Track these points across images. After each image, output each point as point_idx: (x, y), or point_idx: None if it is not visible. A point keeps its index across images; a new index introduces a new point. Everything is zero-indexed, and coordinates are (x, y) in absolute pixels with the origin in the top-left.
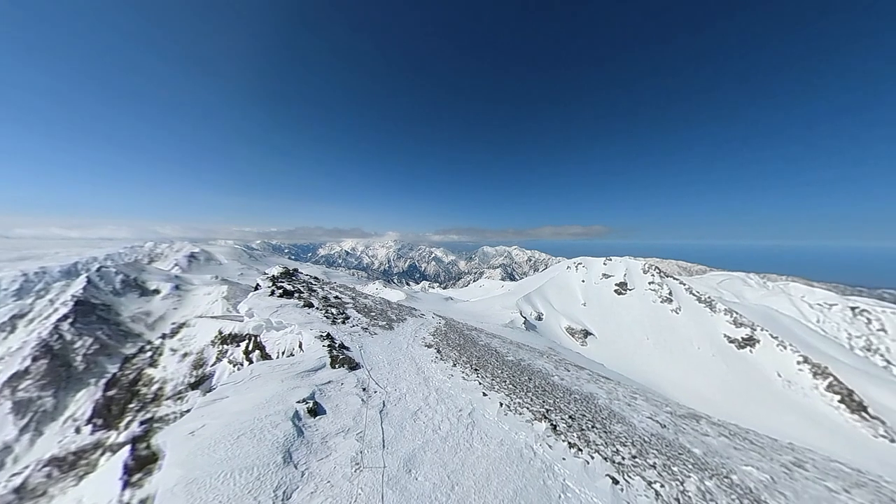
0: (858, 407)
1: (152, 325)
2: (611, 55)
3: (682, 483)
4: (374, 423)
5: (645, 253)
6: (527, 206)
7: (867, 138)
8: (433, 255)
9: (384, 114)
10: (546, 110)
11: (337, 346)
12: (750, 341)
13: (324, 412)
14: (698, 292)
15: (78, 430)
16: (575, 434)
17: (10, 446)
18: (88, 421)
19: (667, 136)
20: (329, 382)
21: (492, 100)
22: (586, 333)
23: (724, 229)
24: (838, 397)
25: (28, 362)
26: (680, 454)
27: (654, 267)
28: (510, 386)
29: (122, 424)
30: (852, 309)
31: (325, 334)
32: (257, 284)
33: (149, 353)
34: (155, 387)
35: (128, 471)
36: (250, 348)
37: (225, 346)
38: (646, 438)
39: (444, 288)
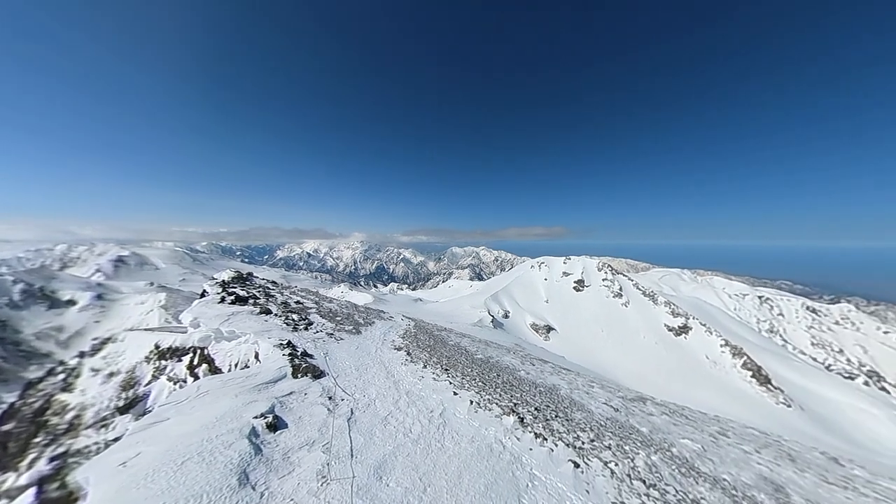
0: (765, 380)
1: (66, 342)
2: (575, 65)
3: (632, 460)
4: (341, 433)
5: (599, 252)
6: (494, 207)
7: (794, 142)
8: (402, 256)
9: (349, 111)
10: (509, 115)
11: (299, 354)
12: (684, 329)
13: (285, 426)
14: (643, 287)
15: None
16: (540, 425)
17: None
18: None
19: (615, 146)
20: (291, 394)
21: (458, 102)
22: (549, 329)
23: (665, 231)
24: (750, 373)
25: None
26: (630, 434)
27: (606, 265)
28: (480, 383)
29: (24, 464)
30: (759, 298)
31: (285, 342)
32: (204, 291)
33: (61, 376)
34: (70, 415)
35: None
36: (196, 362)
37: (163, 362)
38: (602, 423)
39: (414, 289)
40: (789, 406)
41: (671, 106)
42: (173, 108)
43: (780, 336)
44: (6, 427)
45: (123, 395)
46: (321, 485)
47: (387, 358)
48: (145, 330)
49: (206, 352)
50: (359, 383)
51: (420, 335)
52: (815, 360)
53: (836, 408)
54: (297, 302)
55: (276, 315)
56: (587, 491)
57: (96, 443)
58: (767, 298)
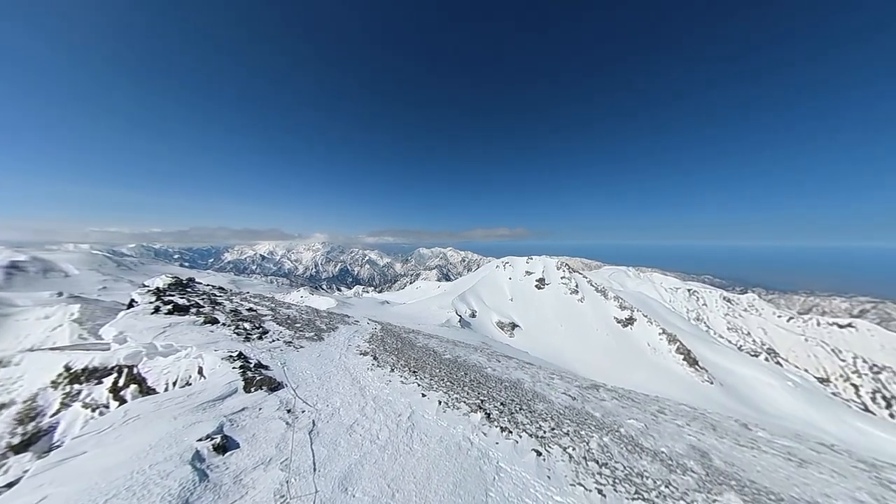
0: (693, 362)
1: None
2: (536, 77)
3: (587, 443)
4: (302, 447)
5: (558, 252)
6: (460, 208)
7: (736, 145)
8: (367, 257)
9: (307, 103)
10: (476, 119)
11: (252, 366)
12: (630, 321)
13: (236, 446)
14: (596, 284)
15: None
16: (506, 418)
17: None
18: None
19: (571, 155)
20: (243, 410)
21: (426, 103)
22: (513, 326)
23: (614, 232)
24: (682, 356)
25: None
26: (586, 420)
27: (564, 264)
28: (448, 383)
29: None
30: (689, 291)
31: (235, 354)
32: (132, 300)
33: None
34: None
35: None
36: (122, 384)
37: (76, 387)
38: (561, 411)
39: (380, 292)
40: (712, 383)
41: (617, 122)
42: (83, 84)
43: (705, 323)
44: None
45: (21, 430)
46: None
47: (352, 364)
48: (52, 349)
49: (135, 371)
50: (321, 393)
51: (387, 339)
52: (730, 342)
53: (746, 381)
54: (250, 309)
55: (224, 325)
56: (548, 477)
57: None
58: (695, 291)
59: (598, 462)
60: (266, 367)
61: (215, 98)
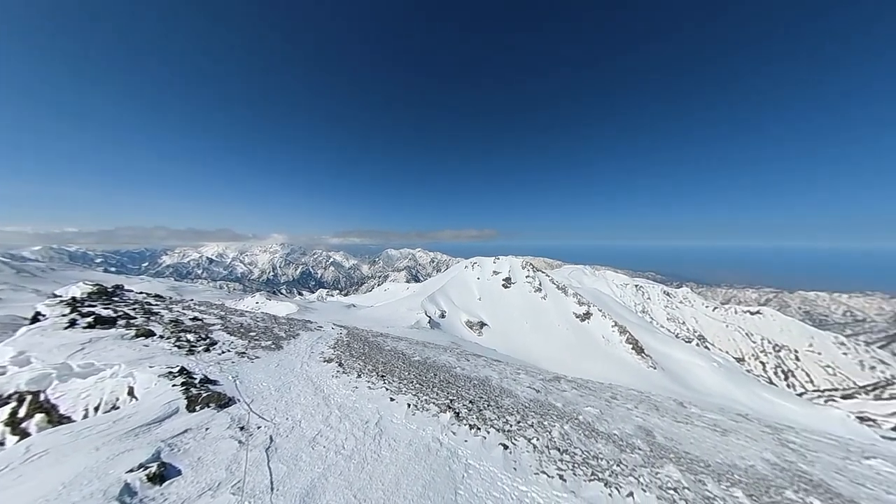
0: (640, 350)
1: None
2: (505, 81)
3: (550, 432)
4: (258, 466)
5: (523, 252)
6: (429, 209)
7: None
8: (331, 259)
9: (265, 97)
10: (445, 120)
11: (198, 381)
12: (587, 315)
13: (177, 473)
14: (557, 282)
15: None
16: (474, 416)
17: None
18: None
19: (537, 158)
20: (186, 432)
21: (394, 103)
22: (482, 325)
23: (572, 233)
24: (631, 346)
25: None
26: (549, 411)
27: (529, 264)
28: (417, 385)
29: None
30: (636, 286)
31: (176, 370)
32: (37, 314)
33: None
34: None
35: None
36: (24, 414)
37: None
38: (526, 404)
39: (346, 295)
40: (655, 368)
41: (578, 127)
42: None
43: (649, 314)
44: None
45: None
46: None
47: (315, 372)
48: None
49: (42, 397)
50: (280, 405)
51: (353, 343)
52: (669, 330)
53: (681, 365)
54: (195, 318)
55: (161, 337)
56: (514, 468)
57: None
58: (641, 286)
59: (559, 449)
60: (214, 382)
61: (142, 70)
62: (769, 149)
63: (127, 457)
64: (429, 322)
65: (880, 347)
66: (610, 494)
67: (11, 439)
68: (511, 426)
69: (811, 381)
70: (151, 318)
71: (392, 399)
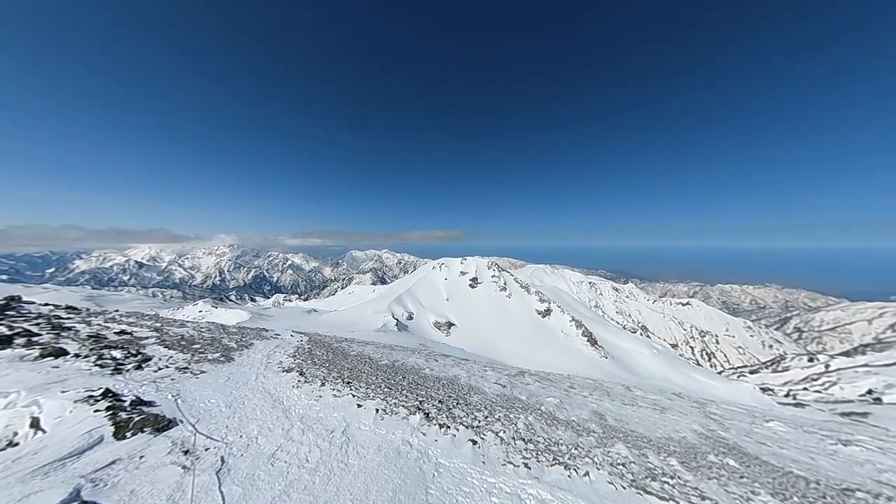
0: (594, 342)
1: None
2: (473, 83)
3: (515, 424)
4: (207, 491)
5: (489, 253)
6: (396, 209)
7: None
8: (289, 262)
9: (206, 78)
10: (411, 118)
11: (127, 404)
12: (548, 312)
13: None
14: (520, 281)
15: None
16: (444, 415)
17: None
18: None
19: (504, 161)
20: (114, 463)
21: (359, 101)
22: (450, 325)
23: (532, 234)
24: (586, 338)
25: None
26: (514, 404)
27: (494, 264)
28: (386, 389)
29: None
30: (590, 283)
31: (98, 393)
32: None
33: None
34: None
35: None
36: None
37: None
38: (493, 400)
39: (306, 300)
40: (607, 357)
41: (540, 134)
42: None
43: (601, 309)
44: None
45: None
46: None
47: (272, 384)
48: None
49: None
50: (233, 422)
51: (316, 350)
52: (617, 322)
53: (628, 353)
54: (122, 332)
55: (77, 356)
56: (483, 462)
57: None
58: (594, 283)
59: (524, 439)
60: (150, 404)
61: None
62: (694, 162)
63: (34, 501)
64: (396, 324)
65: (776, 329)
66: (569, 476)
67: None
68: (479, 422)
69: (728, 361)
70: (63, 334)
71: (359, 405)
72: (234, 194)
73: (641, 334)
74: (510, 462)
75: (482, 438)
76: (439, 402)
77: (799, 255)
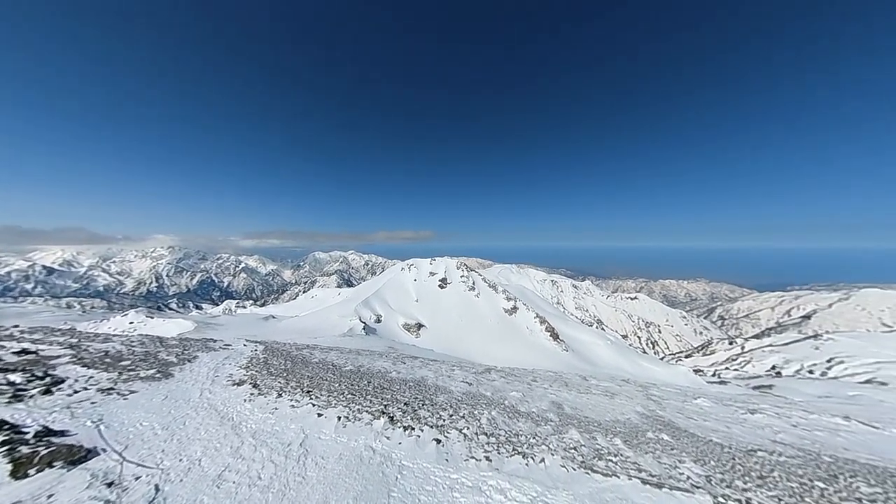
0: (556, 336)
1: None
2: (440, 83)
3: (479, 420)
4: None
5: (458, 253)
6: (363, 210)
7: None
8: (243, 264)
9: (141, 50)
10: (379, 117)
11: (30, 437)
12: (514, 310)
13: None
14: (488, 280)
15: None
16: (409, 417)
17: None
18: None
19: (471, 163)
20: None
21: (319, 93)
22: (419, 326)
23: (498, 234)
24: (549, 333)
25: None
26: (479, 400)
27: (463, 264)
28: (349, 396)
29: None
30: (552, 281)
31: None
32: None
33: None
34: None
35: None
36: None
37: None
38: (459, 398)
39: (262, 305)
40: (567, 351)
41: (509, 137)
42: None
43: (562, 305)
44: None
45: None
46: None
47: (221, 399)
48: None
49: None
50: (171, 446)
51: (272, 360)
52: (576, 317)
53: (585, 345)
54: (24, 352)
55: None
56: (446, 460)
57: None
58: (556, 281)
59: (487, 434)
60: (62, 433)
61: None
62: (640, 171)
63: None
64: (363, 328)
65: (704, 318)
66: (527, 464)
67: None
68: (444, 421)
69: (668, 348)
70: None
71: (320, 414)
72: (174, 189)
73: (597, 327)
74: (472, 457)
75: (446, 437)
76: (405, 404)
77: (722, 254)
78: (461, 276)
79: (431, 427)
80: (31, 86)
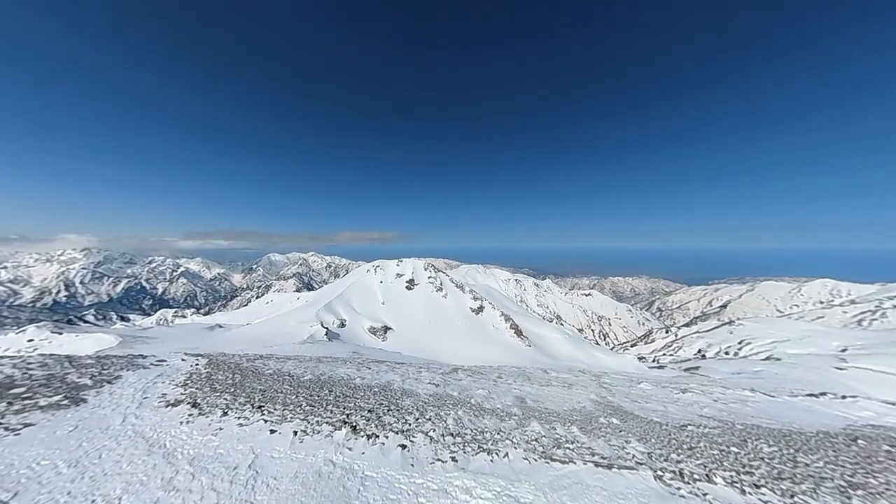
0: (520, 333)
1: None
2: (407, 81)
3: (445, 421)
4: None
5: (426, 254)
6: (326, 210)
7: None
8: (182, 268)
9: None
10: (343, 114)
11: None
12: (480, 309)
13: None
14: (455, 281)
15: None
16: (373, 424)
17: None
18: None
19: (438, 164)
20: None
21: (288, 91)
22: (386, 329)
23: (470, 234)
24: (514, 331)
25: None
26: (446, 401)
27: (431, 265)
28: (308, 407)
29: None
30: (516, 280)
31: None
32: None
33: None
34: None
35: None
36: None
37: None
38: (426, 400)
39: (207, 314)
40: (531, 346)
41: (481, 137)
42: None
43: (525, 303)
44: None
45: None
46: None
47: (150, 424)
48: None
49: None
50: (80, 486)
51: (217, 374)
52: (538, 314)
53: (546, 340)
54: None
55: None
56: (412, 465)
57: None
58: (519, 280)
59: (453, 434)
60: None
61: None
62: (592, 174)
63: None
64: (326, 334)
65: (646, 310)
66: (491, 460)
67: None
68: (410, 425)
69: (617, 338)
70: None
71: (273, 431)
72: (90, 182)
73: (557, 322)
74: (439, 459)
75: (412, 441)
76: (369, 411)
77: (661, 253)
78: (429, 277)
79: (397, 433)
80: None
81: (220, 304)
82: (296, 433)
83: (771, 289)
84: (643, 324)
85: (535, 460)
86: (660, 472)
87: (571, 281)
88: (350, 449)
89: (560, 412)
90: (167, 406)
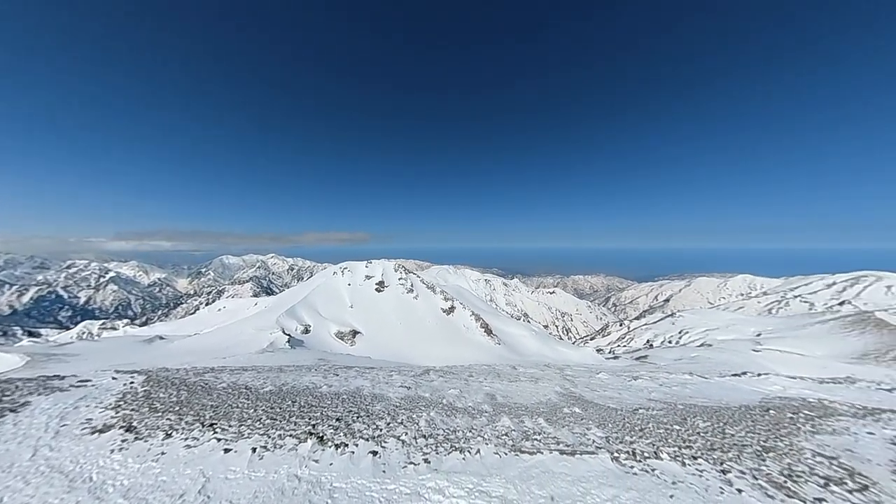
0: (490, 332)
1: None
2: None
3: (417, 423)
4: None
5: (397, 255)
6: (288, 209)
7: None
8: (112, 273)
9: None
10: (314, 110)
11: None
12: (452, 309)
13: None
14: (426, 282)
15: None
16: (342, 433)
17: None
18: None
19: (407, 165)
20: None
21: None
22: (355, 333)
23: (442, 235)
24: (484, 330)
25: None
26: (418, 403)
27: (401, 266)
28: (268, 421)
29: None
30: (486, 280)
31: None
32: None
33: None
34: None
35: None
36: None
37: None
38: (398, 404)
39: (146, 324)
40: (500, 344)
41: (453, 137)
42: None
43: (494, 302)
44: None
45: None
46: None
47: (70, 456)
48: None
49: None
50: None
51: (157, 392)
52: (507, 312)
53: (514, 337)
54: None
55: None
56: (384, 471)
57: None
58: (489, 280)
59: (425, 436)
60: None
61: None
62: (556, 178)
63: None
64: (288, 341)
65: (603, 306)
66: (464, 458)
67: None
68: (381, 430)
69: (578, 333)
70: None
71: (228, 450)
72: None
73: (524, 320)
74: (411, 462)
75: (383, 447)
76: (337, 419)
77: (616, 253)
78: (399, 279)
79: (367, 440)
80: None
81: (160, 313)
82: (254, 450)
83: (704, 283)
84: (601, 318)
85: (506, 454)
86: (616, 454)
87: (537, 280)
88: (316, 461)
89: (528, 406)
90: (93, 433)
